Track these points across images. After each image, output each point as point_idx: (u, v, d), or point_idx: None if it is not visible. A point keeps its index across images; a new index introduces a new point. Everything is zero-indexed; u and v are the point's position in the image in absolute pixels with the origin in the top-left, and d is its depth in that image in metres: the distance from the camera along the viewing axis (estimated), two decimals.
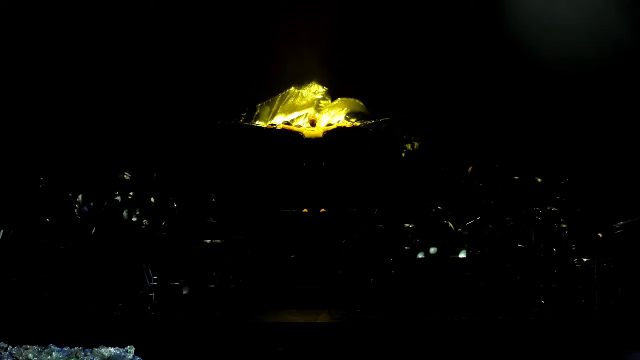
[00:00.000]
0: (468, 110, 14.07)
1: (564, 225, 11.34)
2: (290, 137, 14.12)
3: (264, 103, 14.81)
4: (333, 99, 14.85)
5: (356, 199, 13.60)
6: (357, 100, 14.70)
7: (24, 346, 6.62)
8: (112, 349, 6.58)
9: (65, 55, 14.10)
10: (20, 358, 6.48)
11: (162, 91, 14.25)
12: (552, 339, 9.38)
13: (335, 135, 14.06)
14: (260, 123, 14.60)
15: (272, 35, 14.35)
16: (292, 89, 14.86)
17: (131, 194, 12.29)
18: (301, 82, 14.89)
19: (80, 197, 11.95)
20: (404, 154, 14.14)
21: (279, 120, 14.59)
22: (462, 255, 11.16)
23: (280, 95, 14.87)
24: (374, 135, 14.26)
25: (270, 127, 14.27)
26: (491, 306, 10.39)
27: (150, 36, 14.23)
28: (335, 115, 14.54)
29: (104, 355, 6.50)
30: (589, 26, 13.72)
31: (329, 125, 14.21)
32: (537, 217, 11.48)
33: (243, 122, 14.51)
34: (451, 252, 11.22)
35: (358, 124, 14.30)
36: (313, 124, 14.00)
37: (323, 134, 13.93)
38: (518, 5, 13.66)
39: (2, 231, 10.90)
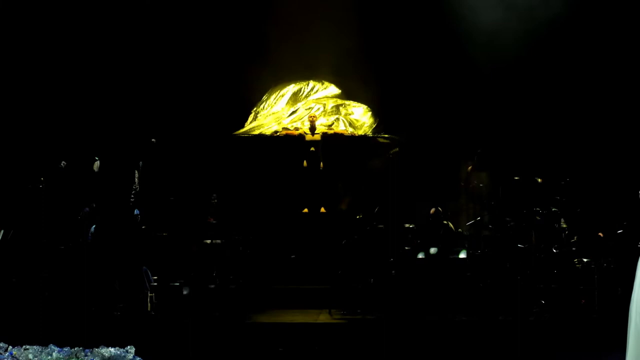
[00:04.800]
0: (468, 111, 14.06)
1: (564, 225, 11.34)
2: (291, 139, 14.11)
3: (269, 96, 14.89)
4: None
5: (355, 200, 13.60)
6: (364, 108, 14.69)
7: (24, 346, 6.62)
8: (112, 349, 6.58)
9: (67, 56, 14.11)
10: (20, 358, 6.48)
11: (163, 93, 14.27)
12: (552, 339, 9.38)
13: (333, 139, 14.04)
14: (261, 120, 14.61)
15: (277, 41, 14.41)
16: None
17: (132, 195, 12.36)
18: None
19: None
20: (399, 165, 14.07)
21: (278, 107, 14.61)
22: (462, 255, 11.16)
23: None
24: (369, 147, 14.21)
25: (274, 134, 14.27)
26: (491, 306, 10.38)
27: (155, 41, 14.26)
28: (335, 120, 14.52)
29: (104, 355, 6.50)
30: (589, 27, 13.75)
31: (330, 127, 14.19)
32: (537, 217, 11.48)
33: (246, 130, 14.53)
34: (451, 252, 11.22)
35: (357, 133, 14.31)
36: (313, 125, 13.98)
37: (321, 135, 13.92)
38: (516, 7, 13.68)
39: (2, 231, 10.90)
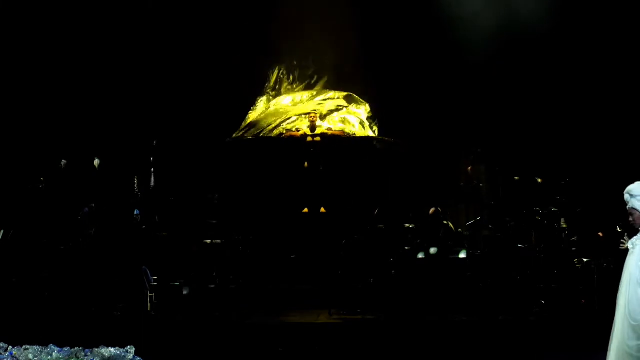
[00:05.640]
0: (468, 111, 14.06)
1: (564, 225, 11.34)
2: (293, 140, 14.12)
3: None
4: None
5: (354, 200, 13.59)
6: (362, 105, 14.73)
7: (24, 346, 6.61)
8: (112, 349, 6.56)
9: (68, 56, 14.11)
10: (20, 358, 6.47)
11: (165, 94, 14.27)
12: (552, 339, 9.38)
13: (332, 140, 14.04)
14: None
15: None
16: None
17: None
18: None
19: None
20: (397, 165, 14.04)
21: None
22: (462, 255, 11.16)
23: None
24: (367, 148, 14.22)
25: (278, 136, 14.27)
26: (491, 306, 10.38)
27: (156, 41, 14.27)
28: (336, 120, 14.54)
29: (104, 355, 6.49)
30: (589, 26, 13.75)
31: (329, 129, 14.20)
32: (537, 217, 11.49)
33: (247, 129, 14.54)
34: (451, 252, 11.22)
35: (356, 133, 14.31)
36: (313, 125, 13.98)
37: (320, 136, 13.94)
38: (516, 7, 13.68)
39: (2, 231, 10.90)
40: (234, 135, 14.45)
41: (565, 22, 13.74)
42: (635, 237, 6.16)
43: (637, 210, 6.15)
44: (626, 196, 6.24)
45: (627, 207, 6.20)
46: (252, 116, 14.71)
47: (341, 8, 14.23)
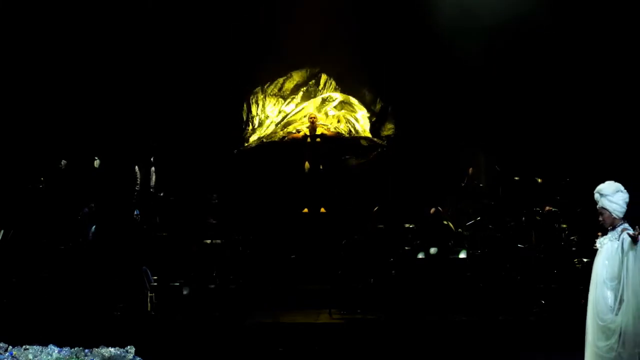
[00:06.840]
0: (469, 111, 14.06)
1: (564, 225, 11.34)
2: (294, 141, 14.11)
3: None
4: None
5: (354, 200, 13.59)
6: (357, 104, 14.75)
7: (24, 346, 6.62)
8: (112, 349, 6.57)
9: (68, 57, 14.11)
10: (20, 358, 6.47)
11: (166, 95, 14.27)
12: (552, 339, 9.38)
13: (332, 140, 14.03)
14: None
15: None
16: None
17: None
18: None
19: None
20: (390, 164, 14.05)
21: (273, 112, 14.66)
22: (462, 255, 11.16)
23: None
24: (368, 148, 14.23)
25: (281, 139, 14.25)
26: (491, 306, 10.39)
27: (157, 41, 14.26)
28: (333, 119, 14.55)
29: (104, 355, 6.49)
30: (590, 25, 13.75)
31: (327, 129, 14.20)
32: (537, 217, 11.48)
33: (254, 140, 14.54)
34: (451, 252, 11.22)
35: (345, 132, 14.31)
36: (313, 126, 13.97)
37: (320, 136, 13.94)
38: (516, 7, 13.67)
39: (2, 231, 10.90)
40: (245, 145, 14.45)
41: (565, 22, 13.73)
42: (603, 237, 6.14)
43: (607, 210, 6.16)
44: (596, 195, 6.25)
45: (597, 206, 6.20)
46: (260, 131, 14.72)
47: (341, 10, 14.26)
